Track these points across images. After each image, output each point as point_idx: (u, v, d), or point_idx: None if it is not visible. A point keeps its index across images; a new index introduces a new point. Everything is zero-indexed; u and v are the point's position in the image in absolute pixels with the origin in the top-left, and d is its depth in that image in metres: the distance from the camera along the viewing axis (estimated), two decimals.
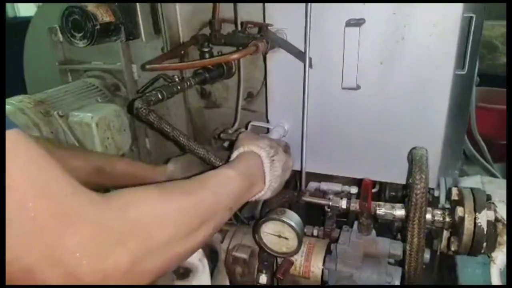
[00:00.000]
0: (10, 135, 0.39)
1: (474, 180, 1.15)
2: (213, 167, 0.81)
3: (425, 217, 0.69)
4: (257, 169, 0.76)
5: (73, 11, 0.96)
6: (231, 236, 0.99)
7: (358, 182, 1.01)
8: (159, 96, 0.86)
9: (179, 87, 0.93)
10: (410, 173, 0.77)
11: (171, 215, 0.52)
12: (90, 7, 0.93)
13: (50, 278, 0.40)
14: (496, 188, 1.02)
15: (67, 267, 0.40)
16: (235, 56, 0.78)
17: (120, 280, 0.44)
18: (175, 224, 0.51)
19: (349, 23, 0.85)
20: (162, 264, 0.50)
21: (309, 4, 0.82)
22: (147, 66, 0.81)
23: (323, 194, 1.01)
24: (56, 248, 0.40)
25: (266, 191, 0.77)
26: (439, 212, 0.80)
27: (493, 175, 1.61)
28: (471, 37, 0.90)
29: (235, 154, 0.77)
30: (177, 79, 0.96)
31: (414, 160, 0.74)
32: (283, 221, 0.77)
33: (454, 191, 0.81)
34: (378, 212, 0.81)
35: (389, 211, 0.81)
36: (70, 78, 1.36)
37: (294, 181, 1.21)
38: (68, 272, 0.41)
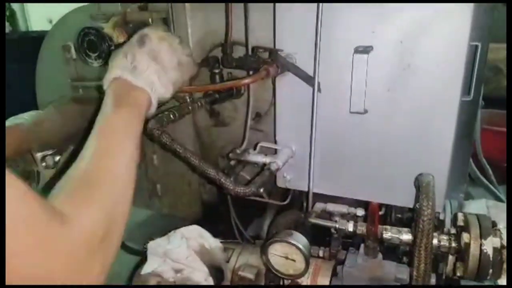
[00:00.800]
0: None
1: (479, 204, 1.15)
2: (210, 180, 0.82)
3: (431, 244, 0.70)
4: (125, 88, 0.71)
5: (89, 32, 0.99)
6: (237, 255, 1.00)
7: (363, 204, 1.02)
8: (171, 116, 0.88)
9: (190, 108, 0.96)
10: (417, 199, 0.78)
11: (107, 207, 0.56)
12: (106, 28, 0.96)
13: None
14: (501, 212, 1.03)
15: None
16: (247, 81, 0.80)
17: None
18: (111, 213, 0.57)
19: (357, 50, 0.87)
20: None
21: (319, 29, 0.84)
22: None
23: (329, 215, 1.02)
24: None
25: (153, 94, 0.73)
26: (445, 237, 0.81)
27: (497, 197, 1.61)
28: (476, 64, 0.92)
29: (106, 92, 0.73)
30: (188, 99, 0.98)
31: (421, 187, 0.75)
32: (291, 243, 0.78)
33: (460, 216, 0.82)
34: (384, 236, 0.82)
35: (395, 235, 0.82)
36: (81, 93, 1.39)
37: (300, 201, 1.23)
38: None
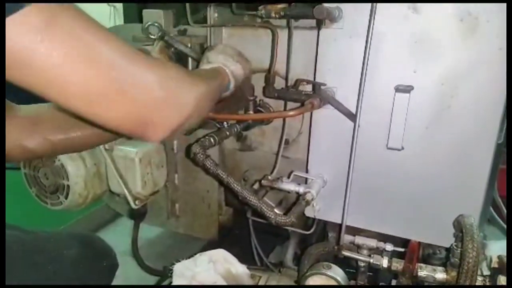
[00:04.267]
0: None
1: (500, 245, 1.17)
2: (261, 215, 0.84)
3: (475, 285, 0.71)
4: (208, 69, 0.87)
5: None
6: (264, 283, 1.00)
7: (388, 238, 1.03)
8: (212, 141, 0.90)
9: (227, 133, 0.97)
10: (456, 238, 0.79)
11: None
12: (153, 52, 0.98)
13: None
14: None
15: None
16: (293, 113, 0.83)
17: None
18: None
19: (398, 89, 0.90)
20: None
21: (365, 66, 0.87)
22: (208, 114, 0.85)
23: (357, 248, 1.03)
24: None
25: (227, 68, 0.87)
26: (480, 278, 0.81)
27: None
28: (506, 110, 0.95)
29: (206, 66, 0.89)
30: (225, 125, 1.00)
31: (465, 228, 0.76)
32: (331, 276, 0.78)
33: (494, 258, 0.83)
34: (419, 273, 0.83)
35: (430, 274, 0.83)
36: None
37: (322, 231, 1.23)
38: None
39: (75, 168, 1.07)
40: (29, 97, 0.50)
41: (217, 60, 0.89)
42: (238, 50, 0.96)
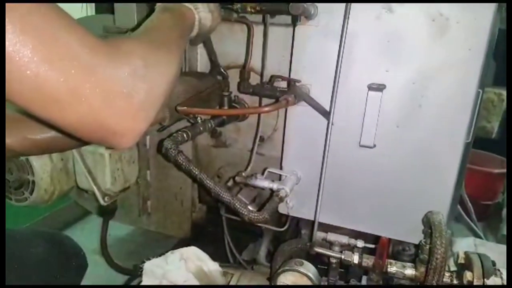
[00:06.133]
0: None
1: (467, 242, 1.20)
2: (234, 212, 0.83)
3: (442, 280, 0.73)
4: (173, 4, 0.77)
5: None
6: (236, 280, 0.99)
7: (360, 235, 1.04)
8: (185, 136, 0.88)
9: (201, 128, 0.96)
10: (425, 235, 0.81)
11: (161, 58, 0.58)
12: None
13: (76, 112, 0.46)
14: (488, 251, 1.08)
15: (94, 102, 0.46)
16: (267, 109, 0.82)
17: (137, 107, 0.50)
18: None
19: (371, 87, 0.91)
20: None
21: (339, 64, 0.88)
22: (179, 108, 0.84)
23: (329, 244, 1.03)
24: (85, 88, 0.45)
25: (196, 13, 0.79)
26: (447, 274, 0.83)
27: (477, 234, 1.68)
28: (477, 109, 0.97)
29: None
30: (199, 120, 0.98)
31: (434, 225, 0.78)
32: (303, 273, 0.78)
33: (461, 254, 0.85)
34: (389, 269, 0.84)
35: (400, 270, 0.84)
36: None
37: (295, 228, 1.23)
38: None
39: (40, 163, 1.03)
40: None
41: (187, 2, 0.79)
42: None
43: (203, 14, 0.81)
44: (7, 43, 0.39)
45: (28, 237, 0.91)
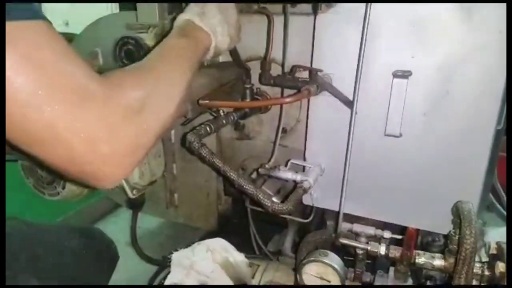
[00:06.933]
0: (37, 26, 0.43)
1: (500, 232, 1.16)
2: (258, 203, 0.83)
3: (472, 271, 0.71)
4: (191, 27, 0.75)
5: (128, 42, 0.99)
6: (262, 271, 1.00)
7: (388, 226, 1.02)
8: (208, 130, 0.89)
9: (224, 121, 0.96)
10: (454, 225, 0.79)
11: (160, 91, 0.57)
12: (147, 40, 0.97)
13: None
14: None
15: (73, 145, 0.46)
16: (289, 100, 0.81)
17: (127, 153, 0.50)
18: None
19: (396, 74, 0.89)
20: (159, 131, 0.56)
21: (362, 52, 0.86)
22: (201, 102, 0.84)
23: (355, 236, 1.02)
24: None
25: (214, 38, 0.76)
26: (478, 265, 0.81)
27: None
28: (506, 95, 0.93)
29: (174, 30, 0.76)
30: (221, 113, 0.99)
31: (463, 215, 0.76)
32: (328, 264, 0.78)
33: (493, 245, 0.83)
34: (417, 261, 0.83)
35: (428, 261, 0.82)
36: None
37: (321, 219, 1.23)
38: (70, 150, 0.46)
39: None
40: None
41: (208, 22, 0.76)
42: (238, 17, 0.85)
43: (220, 38, 0.79)
44: None
45: (63, 231, 0.95)
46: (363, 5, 0.85)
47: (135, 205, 1.35)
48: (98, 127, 0.46)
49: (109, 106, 0.47)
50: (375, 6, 0.85)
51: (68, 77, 0.44)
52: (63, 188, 1.11)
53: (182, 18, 0.77)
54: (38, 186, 1.17)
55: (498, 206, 1.61)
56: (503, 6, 0.78)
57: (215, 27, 0.77)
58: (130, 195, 1.13)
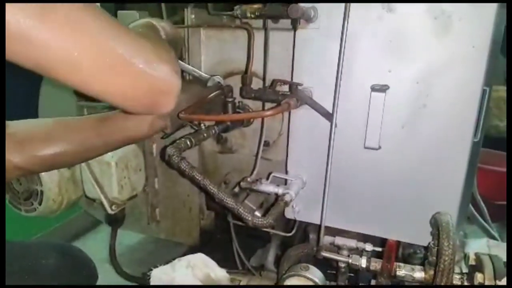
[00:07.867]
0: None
1: (480, 243, 1.18)
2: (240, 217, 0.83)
3: (452, 283, 0.71)
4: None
5: None
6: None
7: (370, 238, 1.03)
8: (188, 143, 0.88)
9: (205, 135, 0.96)
10: (433, 237, 0.79)
11: None
12: None
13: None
14: (502, 252, 1.05)
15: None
16: (269, 113, 0.82)
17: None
18: None
19: (374, 88, 0.90)
20: None
21: (340, 66, 0.87)
22: (181, 116, 0.84)
23: (338, 249, 1.02)
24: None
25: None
26: (457, 276, 0.81)
27: (491, 235, 1.64)
28: (484, 108, 0.95)
29: None
30: (202, 127, 0.98)
31: (441, 226, 0.76)
32: (308, 277, 0.77)
33: (472, 255, 0.83)
34: (398, 273, 0.83)
35: (409, 273, 0.82)
36: (86, 114, 1.37)
37: (303, 233, 1.22)
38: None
39: (48, 173, 1.04)
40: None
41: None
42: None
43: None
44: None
45: (39, 249, 0.93)
46: (341, 20, 0.87)
47: (115, 221, 1.32)
48: (172, 69, 0.62)
49: (172, 59, 0.64)
50: (353, 21, 0.87)
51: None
52: (40, 203, 1.08)
53: None
54: (14, 201, 1.14)
55: (479, 217, 1.63)
56: (476, 21, 0.81)
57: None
58: (109, 211, 1.11)
